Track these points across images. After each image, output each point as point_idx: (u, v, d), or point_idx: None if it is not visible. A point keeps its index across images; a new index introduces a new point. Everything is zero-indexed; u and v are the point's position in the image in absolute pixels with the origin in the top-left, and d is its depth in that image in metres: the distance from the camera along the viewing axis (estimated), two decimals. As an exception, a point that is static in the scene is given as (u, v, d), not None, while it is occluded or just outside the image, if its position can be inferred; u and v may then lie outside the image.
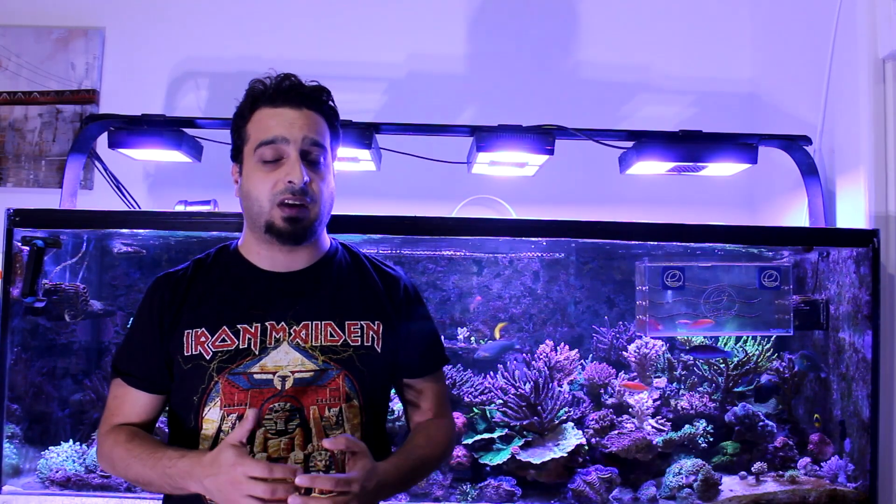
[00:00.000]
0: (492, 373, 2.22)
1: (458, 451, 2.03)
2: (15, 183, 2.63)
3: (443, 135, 2.13)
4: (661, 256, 2.08)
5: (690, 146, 2.05)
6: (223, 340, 1.28)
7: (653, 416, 2.15)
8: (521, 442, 2.04)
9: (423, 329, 1.43)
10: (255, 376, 1.27)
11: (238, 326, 1.29)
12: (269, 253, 1.33)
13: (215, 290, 1.33)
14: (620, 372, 2.29)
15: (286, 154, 1.27)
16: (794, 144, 2.11)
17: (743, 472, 2.05)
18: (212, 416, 1.27)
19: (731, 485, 2.01)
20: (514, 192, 2.57)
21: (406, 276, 1.45)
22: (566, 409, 2.11)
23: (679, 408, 2.19)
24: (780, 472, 2.04)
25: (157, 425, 1.39)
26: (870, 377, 1.91)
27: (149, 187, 2.65)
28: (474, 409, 2.15)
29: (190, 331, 1.29)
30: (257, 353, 1.28)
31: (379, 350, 1.33)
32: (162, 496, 1.34)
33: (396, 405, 1.96)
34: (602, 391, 2.24)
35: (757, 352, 2.21)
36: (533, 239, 2.07)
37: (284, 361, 1.28)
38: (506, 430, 2.08)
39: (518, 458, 2.00)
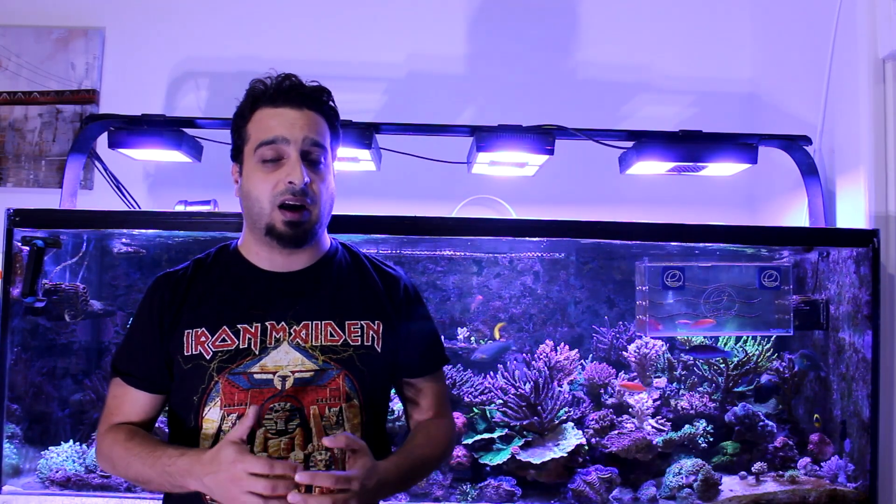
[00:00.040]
0: (492, 373, 2.22)
1: (458, 451, 2.03)
2: (15, 183, 2.63)
3: (443, 135, 2.13)
4: (661, 256, 2.07)
5: (690, 146, 2.05)
6: (223, 340, 1.28)
7: (653, 416, 2.15)
8: (521, 442, 2.04)
9: (423, 329, 1.43)
10: (256, 376, 1.27)
11: (238, 326, 1.29)
12: (268, 253, 1.33)
13: (215, 289, 1.33)
14: (620, 372, 2.29)
15: (287, 154, 1.27)
16: (794, 144, 2.11)
17: (743, 472, 2.05)
18: (212, 416, 1.27)
19: (731, 485, 2.01)
20: (514, 192, 2.57)
21: (406, 276, 1.45)
22: (566, 409, 2.11)
23: (679, 408, 2.19)
24: (780, 472, 2.04)
25: (157, 425, 1.39)
26: (870, 377, 1.91)
27: (149, 187, 2.65)
28: (474, 409, 2.15)
29: (190, 330, 1.29)
30: (257, 352, 1.28)
31: (379, 350, 1.33)
32: (162, 496, 1.34)
33: (396, 405, 1.96)
34: (602, 391, 2.24)
35: (757, 352, 2.21)
36: (533, 239, 2.07)
37: (284, 361, 1.28)
38: (506, 430, 2.08)
39: (518, 458, 2.00)
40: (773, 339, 2.20)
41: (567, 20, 2.76)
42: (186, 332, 1.29)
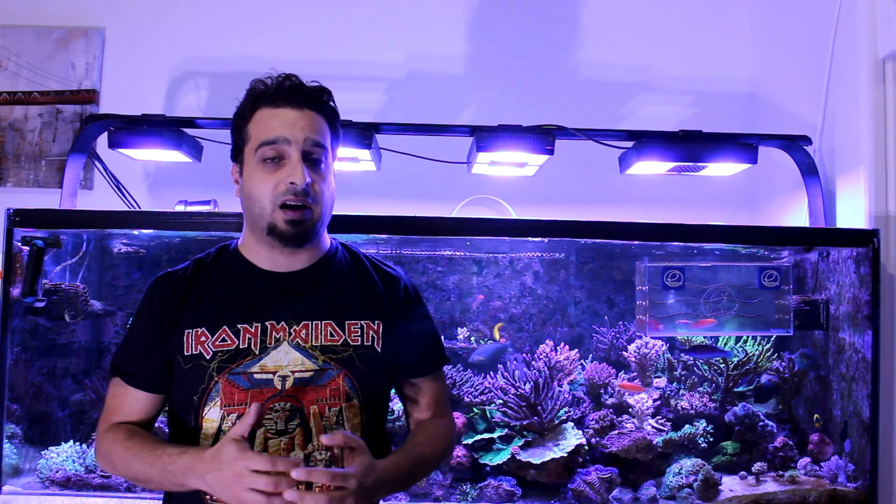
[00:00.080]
0: (492, 373, 2.22)
1: (458, 451, 2.03)
2: (15, 183, 2.63)
3: (443, 135, 2.13)
4: (661, 256, 2.07)
5: (690, 146, 2.05)
6: (223, 340, 1.28)
7: (653, 416, 2.15)
8: (521, 442, 2.04)
9: (424, 329, 1.43)
10: (256, 376, 1.27)
11: (238, 326, 1.29)
12: (269, 253, 1.33)
13: (215, 289, 1.33)
14: (620, 372, 2.29)
15: (288, 155, 1.27)
16: (794, 144, 2.11)
17: (743, 472, 2.05)
18: (212, 416, 1.27)
19: (731, 485, 2.01)
20: (514, 192, 2.57)
21: (406, 276, 1.45)
22: (566, 409, 2.11)
23: (679, 408, 2.19)
24: (780, 472, 2.04)
25: (156, 425, 1.39)
26: (870, 377, 1.91)
27: (149, 187, 2.65)
28: (474, 409, 2.15)
29: (190, 330, 1.29)
30: (257, 352, 1.28)
31: (379, 350, 1.33)
32: (162, 495, 1.34)
33: (396, 405, 1.96)
34: (602, 391, 2.24)
35: (757, 352, 2.21)
36: (533, 239, 2.07)
37: (284, 361, 1.28)
38: (506, 430, 2.08)
39: (518, 458, 2.00)
40: (773, 339, 2.20)
41: (567, 20, 2.76)
42: (186, 331, 1.29)
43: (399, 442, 1.51)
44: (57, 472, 1.94)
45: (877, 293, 1.92)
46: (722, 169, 2.19)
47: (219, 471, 1.12)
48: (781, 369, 2.20)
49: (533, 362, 2.26)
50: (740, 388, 2.23)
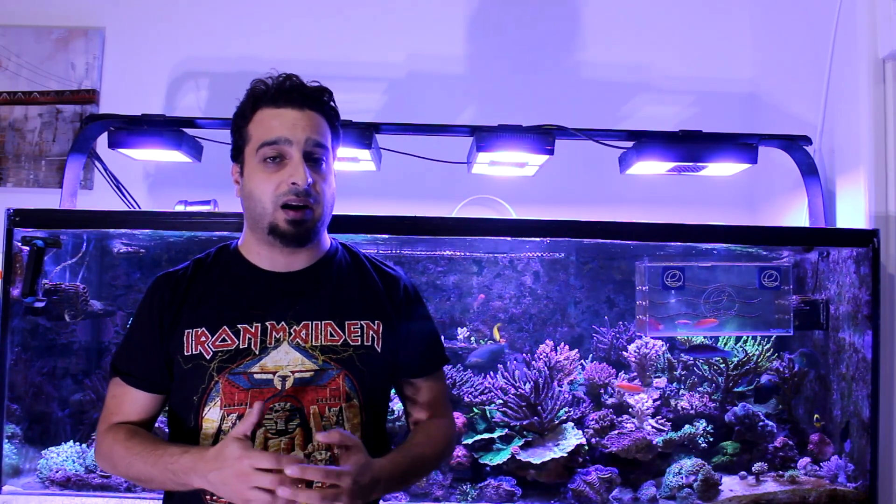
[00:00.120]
0: (492, 373, 2.22)
1: (458, 451, 2.03)
2: (15, 183, 2.63)
3: (443, 135, 2.13)
4: (662, 256, 2.07)
5: (690, 146, 2.05)
6: (223, 340, 1.28)
7: (653, 416, 2.15)
8: (521, 442, 2.04)
9: (423, 329, 1.43)
10: (256, 376, 1.27)
11: (238, 326, 1.29)
12: (269, 253, 1.33)
13: (215, 289, 1.33)
14: (620, 372, 2.29)
15: (289, 155, 1.27)
16: (794, 144, 2.11)
17: (743, 472, 2.05)
18: (212, 416, 1.27)
19: (731, 485, 2.01)
20: (514, 192, 2.57)
21: (406, 276, 1.45)
22: (566, 409, 2.11)
23: (679, 408, 2.19)
24: (780, 472, 2.04)
25: (156, 425, 1.39)
26: (870, 377, 1.91)
27: (149, 187, 2.65)
28: (474, 409, 2.15)
29: (190, 330, 1.29)
30: (257, 352, 1.28)
31: (379, 350, 1.33)
32: (161, 495, 1.34)
33: (396, 405, 1.96)
34: (602, 391, 2.24)
35: (757, 352, 2.21)
36: (533, 239, 2.07)
37: (284, 361, 1.28)
38: (506, 430, 2.08)
39: (518, 458, 2.00)
40: (773, 339, 2.20)
41: (567, 20, 2.76)
42: (186, 331, 1.29)
43: (399, 442, 1.51)
44: (57, 472, 1.94)
45: (877, 293, 1.92)
46: (722, 169, 2.19)
47: (222, 469, 1.12)
48: (781, 369, 2.20)
49: (533, 362, 2.26)
50: (740, 388, 2.23)
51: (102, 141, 2.16)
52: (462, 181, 2.46)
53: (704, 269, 2.06)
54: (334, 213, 1.37)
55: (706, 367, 2.25)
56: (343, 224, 1.73)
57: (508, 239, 2.05)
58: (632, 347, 2.30)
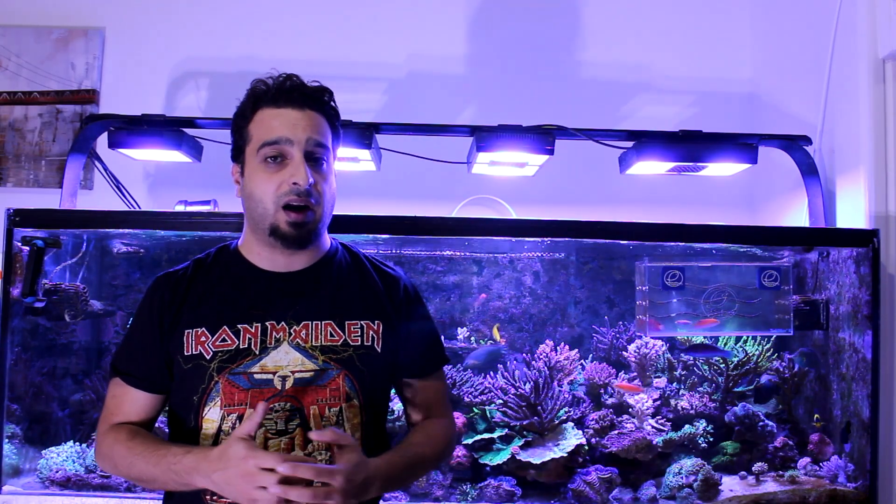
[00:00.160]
0: (492, 373, 2.22)
1: (458, 451, 2.03)
2: (15, 183, 2.63)
3: (443, 135, 2.13)
4: (661, 256, 2.07)
5: (690, 146, 2.05)
6: (223, 340, 1.28)
7: (653, 416, 2.15)
8: (521, 442, 2.04)
9: (423, 329, 1.43)
10: (256, 376, 1.27)
11: (238, 326, 1.29)
12: (269, 253, 1.33)
13: (215, 289, 1.33)
14: (620, 372, 2.29)
15: (290, 155, 1.27)
16: (794, 144, 2.11)
17: (743, 472, 2.05)
18: (212, 416, 1.27)
19: (731, 485, 2.01)
20: (514, 192, 2.57)
21: (406, 276, 1.45)
22: (566, 409, 2.11)
23: (679, 408, 2.19)
24: (780, 472, 2.04)
25: (156, 425, 1.39)
26: (870, 377, 1.91)
27: (149, 187, 2.65)
28: (474, 409, 2.15)
29: (190, 330, 1.29)
30: (257, 352, 1.28)
31: (379, 350, 1.33)
32: (161, 495, 1.34)
33: (396, 405, 1.96)
34: (602, 391, 2.24)
35: (757, 352, 2.21)
36: (533, 239, 2.07)
37: (284, 361, 1.28)
38: (506, 430, 2.08)
39: (518, 458, 2.00)
40: (773, 339, 2.20)
41: (567, 20, 2.76)
42: (186, 331, 1.29)
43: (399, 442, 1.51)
44: (57, 472, 1.94)
45: (877, 293, 1.92)
46: (722, 169, 2.19)
47: (226, 469, 1.12)
48: (781, 369, 2.20)
49: (533, 362, 2.26)
50: (740, 388, 2.23)
51: (102, 141, 2.16)
52: (462, 181, 2.46)
53: (704, 269, 2.06)
54: (334, 213, 1.37)
55: (706, 367, 2.25)
56: (343, 224, 1.73)
57: (509, 239, 2.05)
58: (632, 347, 2.30)
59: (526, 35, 2.75)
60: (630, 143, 2.11)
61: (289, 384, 1.27)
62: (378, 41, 2.71)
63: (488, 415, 2.13)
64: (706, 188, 2.58)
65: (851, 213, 2.06)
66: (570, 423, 2.09)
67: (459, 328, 2.43)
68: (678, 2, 2.76)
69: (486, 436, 2.07)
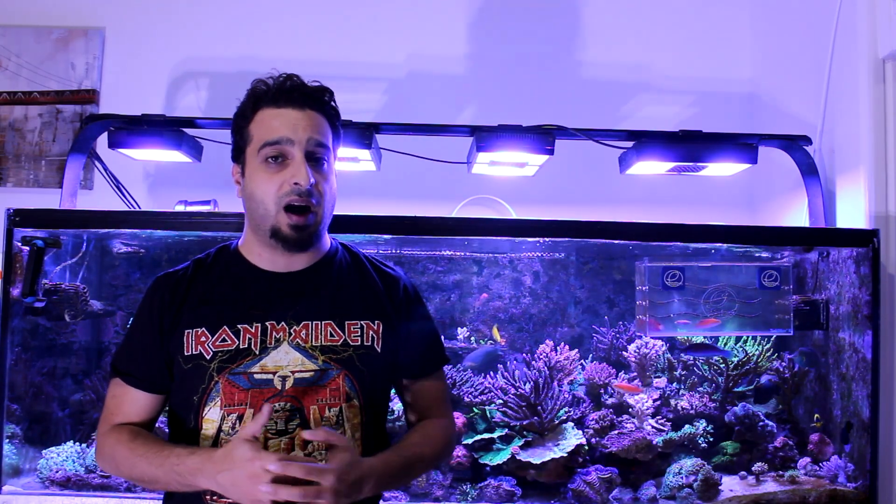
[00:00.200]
0: (492, 373, 2.22)
1: (458, 451, 2.03)
2: (15, 183, 2.63)
3: (443, 135, 2.13)
4: (662, 256, 2.07)
5: (690, 146, 2.05)
6: (223, 340, 1.28)
7: (653, 416, 2.15)
8: (521, 442, 2.04)
9: (423, 329, 1.43)
10: (256, 376, 1.27)
11: (238, 326, 1.29)
12: (269, 254, 1.33)
13: (215, 289, 1.33)
14: (620, 372, 2.29)
15: (291, 155, 1.27)
16: (794, 144, 2.11)
17: (743, 472, 2.05)
18: (212, 416, 1.27)
19: (731, 485, 2.01)
20: (514, 192, 2.57)
21: (406, 276, 1.45)
22: (566, 409, 2.11)
23: (679, 408, 2.19)
24: (780, 472, 2.04)
25: (156, 425, 1.39)
26: (870, 377, 1.91)
27: (149, 187, 2.65)
28: (474, 409, 2.15)
29: (190, 330, 1.29)
30: (257, 352, 1.28)
31: (379, 350, 1.33)
32: (161, 495, 1.34)
33: (396, 405, 1.96)
34: (602, 391, 2.24)
35: (757, 352, 2.21)
36: (533, 239, 2.07)
37: (284, 361, 1.28)
38: (506, 430, 2.08)
39: (518, 458, 2.00)
40: (773, 339, 2.20)
41: (567, 20, 2.76)
42: (186, 332, 1.29)
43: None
44: (57, 472, 1.94)
45: (877, 293, 1.92)
46: (722, 169, 2.19)
47: (232, 470, 1.12)
48: (781, 369, 2.20)
49: (533, 362, 2.26)
50: (740, 388, 2.23)
51: (102, 141, 2.16)
52: (462, 181, 2.46)
53: (704, 269, 2.06)
54: (334, 212, 1.37)
55: (706, 367, 2.25)
56: (343, 224, 1.73)
57: (509, 239, 2.05)
58: (632, 347, 2.30)
59: (526, 35, 2.75)
60: (630, 143, 2.11)
61: (289, 384, 1.27)
62: (378, 41, 2.71)
63: (488, 415, 2.13)
64: (706, 188, 2.58)
65: (851, 213, 2.06)
66: (570, 423, 2.09)
67: (459, 328, 2.43)
68: (678, 2, 2.76)
69: (486, 436, 2.07)
